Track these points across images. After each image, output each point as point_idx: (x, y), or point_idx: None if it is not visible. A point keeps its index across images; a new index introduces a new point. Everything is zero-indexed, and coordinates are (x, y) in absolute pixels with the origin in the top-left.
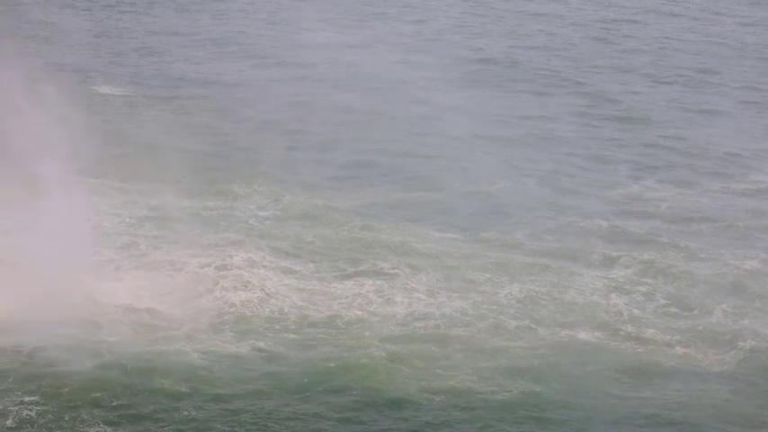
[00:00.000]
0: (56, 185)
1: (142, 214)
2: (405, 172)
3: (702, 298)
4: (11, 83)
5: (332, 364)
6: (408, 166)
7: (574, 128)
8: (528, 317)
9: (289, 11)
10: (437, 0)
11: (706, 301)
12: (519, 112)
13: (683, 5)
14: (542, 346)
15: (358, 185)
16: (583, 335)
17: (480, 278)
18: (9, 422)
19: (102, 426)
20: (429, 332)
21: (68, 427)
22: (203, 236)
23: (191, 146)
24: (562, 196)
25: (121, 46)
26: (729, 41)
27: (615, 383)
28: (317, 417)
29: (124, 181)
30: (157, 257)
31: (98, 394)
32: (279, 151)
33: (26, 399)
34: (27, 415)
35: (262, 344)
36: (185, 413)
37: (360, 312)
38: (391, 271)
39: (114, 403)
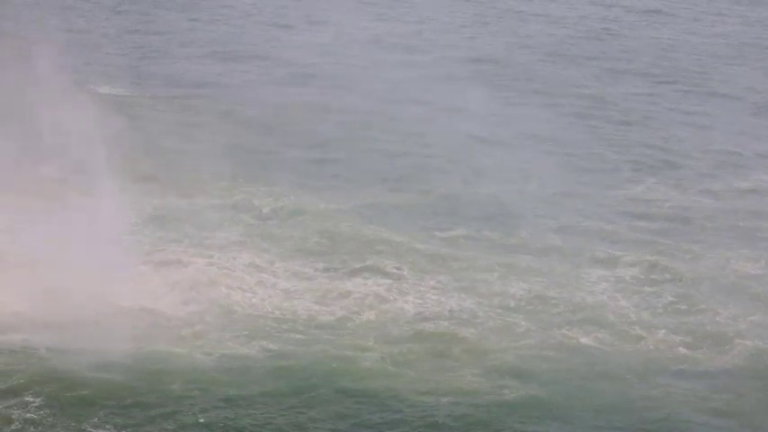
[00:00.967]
0: (59, 186)
1: (146, 214)
2: (406, 172)
3: (708, 298)
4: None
5: (338, 365)
6: (409, 167)
7: (574, 128)
8: (535, 317)
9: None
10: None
11: (711, 302)
12: (519, 113)
13: (684, 6)
14: (550, 348)
15: (359, 185)
16: (590, 335)
17: (487, 278)
18: (14, 425)
19: (107, 427)
20: (436, 333)
21: (73, 429)
22: (207, 236)
23: (191, 146)
24: (564, 196)
25: (121, 46)
26: (731, 41)
27: (623, 384)
28: (323, 417)
29: (124, 182)
30: (162, 257)
31: (103, 396)
32: (280, 152)
33: (30, 400)
34: (30, 417)
35: (268, 344)
36: (192, 414)
37: (367, 313)
38: (397, 271)
39: (120, 405)
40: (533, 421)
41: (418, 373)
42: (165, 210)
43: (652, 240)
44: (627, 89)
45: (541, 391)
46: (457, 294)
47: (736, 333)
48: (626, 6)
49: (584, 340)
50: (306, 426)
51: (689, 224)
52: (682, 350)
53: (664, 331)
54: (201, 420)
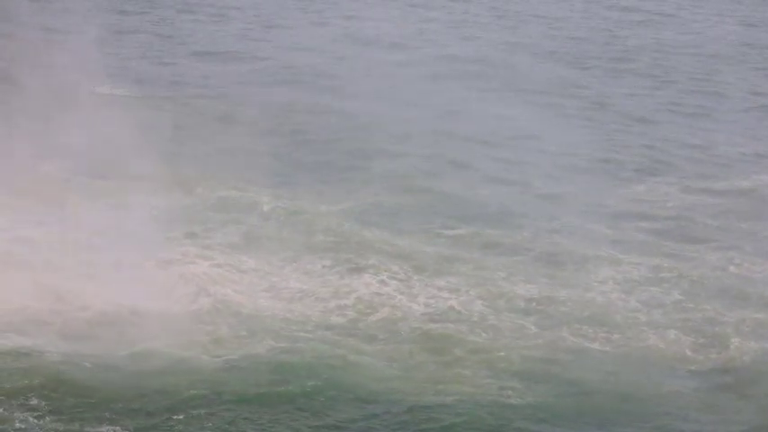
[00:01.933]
0: (63, 187)
1: (149, 214)
2: (405, 172)
3: (715, 299)
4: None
5: (345, 366)
6: (409, 167)
7: (575, 129)
8: (543, 318)
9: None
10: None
11: (719, 302)
12: (520, 113)
13: (685, 7)
14: (559, 350)
15: (359, 186)
16: (599, 337)
17: (494, 278)
18: (17, 424)
19: (112, 430)
20: (444, 334)
21: (77, 431)
22: (210, 236)
23: (192, 146)
24: (566, 196)
25: (121, 46)
26: (732, 41)
27: (632, 386)
28: (329, 418)
29: (124, 182)
30: (167, 258)
31: (108, 397)
32: (280, 153)
33: (33, 402)
34: (34, 422)
35: (276, 345)
36: (197, 416)
37: (374, 314)
38: (403, 272)
39: (126, 407)
40: (539, 424)
41: (425, 375)
42: (165, 210)
43: (656, 240)
44: (627, 90)
45: (548, 394)
46: (464, 295)
47: (743, 334)
48: (626, 7)
49: (592, 342)
50: (311, 426)
51: (692, 224)
52: (689, 352)
53: (676, 331)
54: (208, 423)
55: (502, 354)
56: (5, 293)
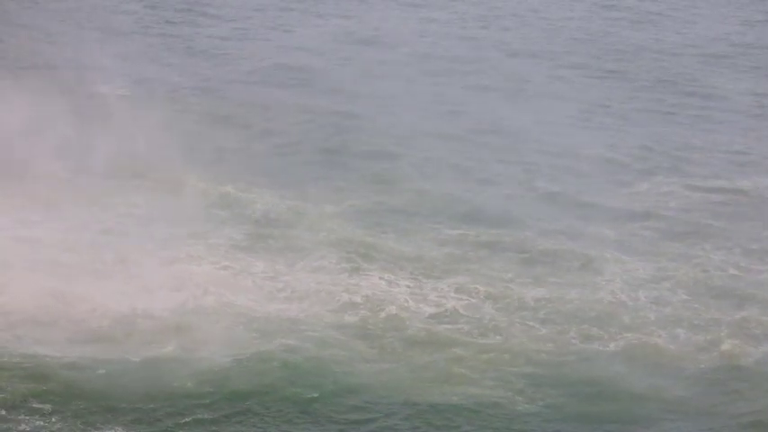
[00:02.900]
0: (64, 187)
1: (151, 214)
2: (406, 173)
3: (723, 299)
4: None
5: (352, 366)
6: (410, 168)
7: (575, 130)
8: (552, 319)
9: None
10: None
11: (727, 302)
12: (520, 115)
13: (686, 7)
14: (567, 351)
15: (360, 187)
16: (607, 337)
17: (502, 279)
18: (22, 426)
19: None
20: (452, 335)
21: None
22: (213, 236)
23: (188, 147)
24: (568, 197)
25: (119, 46)
26: (731, 42)
27: (641, 387)
28: (335, 419)
29: (123, 182)
30: (171, 258)
31: (114, 398)
32: (283, 154)
33: (38, 406)
34: (39, 424)
35: (282, 344)
36: (203, 417)
37: (382, 314)
38: (410, 273)
39: (131, 408)
40: (547, 425)
41: (431, 375)
42: (170, 209)
43: (660, 240)
44: (626, 90)
45: (556, 396)
46: (472, 296)
47: (750, 335)
48: (627, 7)
49: (600, 343)
50: (317, 426)
51: (695, 224)
52: (697, 352)
53: (685, 331)
54: (215, 422)
55: (509, 355)
56: (11, 295)
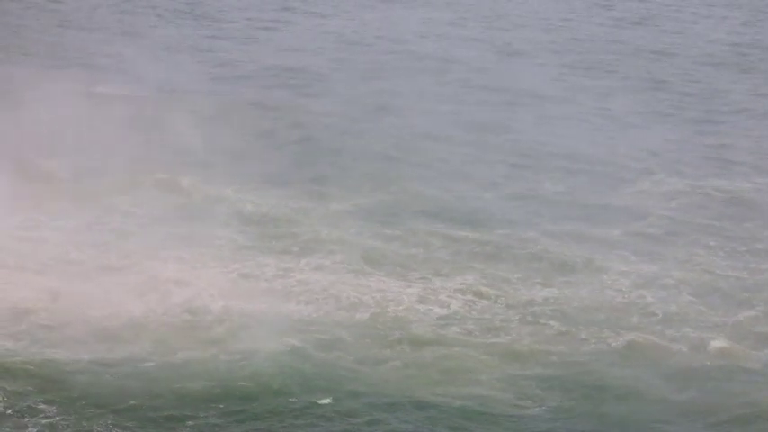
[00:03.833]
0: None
1: (154, 214)
2: (407, 175)
3: (730, 296)
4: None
5: (359, 366)
6: (411, 169)
7: (575, 131)
8: (560, 320)
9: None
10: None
11: (733, 300)
12: (520, 116)
13: (686, 8)
14: (575, 353)
15: (361, 187)
16: (616, 338)
17: (509, 279)
18: (29, 428)
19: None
20: (459, 336)
21: None
22: (217, 236)
23: (194, 148)
24: (572, 196)
25: (119, 46)
26: (730, 43)
27: (650, 388)
28: (341, 419)
29: (121, 181)
30: (176, 258)
31: (120, 399)
32: (284, 155)
33: (44, 407)
34: (46, 423)
35: (288, 344)
36: (209, 418)
37: (389, 314)
38: (418, 273)
39: (136, 408)
40: (554, 428)
41: (438, 377)
42: (173, 209)
43: (664, 240)
44: (626, 91)
45: (565, 398)
46: (481, 296)
47: (758, 336)
48: (631, 8)
49: (609, 344)
50: (322, 427)
51: (699, 220)
52: (713, 350)
53: (693, 330)
54: (220, 422)
55: (517, 356)
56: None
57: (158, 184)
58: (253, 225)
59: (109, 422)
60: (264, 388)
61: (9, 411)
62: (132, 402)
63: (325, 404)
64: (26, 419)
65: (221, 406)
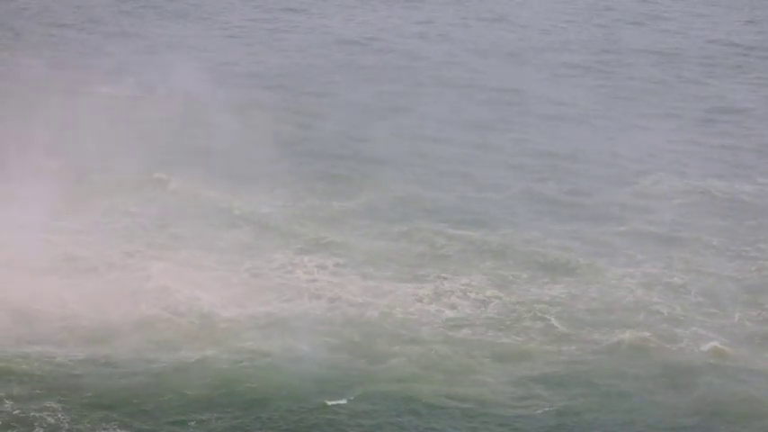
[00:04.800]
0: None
1: (155, 215)
2: (408, 177)
3: (734, 295)
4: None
5: (365, 367)
6: (411, 171)
7: (575, 132)
8: (568, 320)
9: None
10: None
11: (738, 299)
12: (520, 115)
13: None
14: (583, 353)
15: (365, 185)
16: (622, 338)
17: (516, 279)
18: (35, 429)
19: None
20: (466, 336)
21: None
22: (219, 237)
23: (195, 148)
24: (575, 195)
25: (118, 47)
26: (730, 44)
27: (657, 389)
28: (346, 420)
29: (118, 181)
30: (179, 258)
31: (125, 400)
32: (288, 157)
33: (50, 405)
34: (51, 422)
35: (294, 345)
36: (214, 417)
37: (396, 314)
38: (425, 273)
39: (141, 409)
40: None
41: (445, 377)
42: (176, 208)
43: (668, 237)
44: (625, 92)
45: (573, 399)
46: (488, 297)
47: (765, 335)
48: (626, 8)
49: (618, 342)
50: (327, 428)
51: (702, 219)
52: (718, 349)
53: (699, 329)
54: (225, 423)
55: (525, 356)
56: (21, 295)
57: (158, 185)
58: (258, 225)
59: (115, 424)
60: (265, 389)
61: (16, 412)
62: (137, 403)
63: (337, 405)
64: (31, 415)
65: (229, 409)
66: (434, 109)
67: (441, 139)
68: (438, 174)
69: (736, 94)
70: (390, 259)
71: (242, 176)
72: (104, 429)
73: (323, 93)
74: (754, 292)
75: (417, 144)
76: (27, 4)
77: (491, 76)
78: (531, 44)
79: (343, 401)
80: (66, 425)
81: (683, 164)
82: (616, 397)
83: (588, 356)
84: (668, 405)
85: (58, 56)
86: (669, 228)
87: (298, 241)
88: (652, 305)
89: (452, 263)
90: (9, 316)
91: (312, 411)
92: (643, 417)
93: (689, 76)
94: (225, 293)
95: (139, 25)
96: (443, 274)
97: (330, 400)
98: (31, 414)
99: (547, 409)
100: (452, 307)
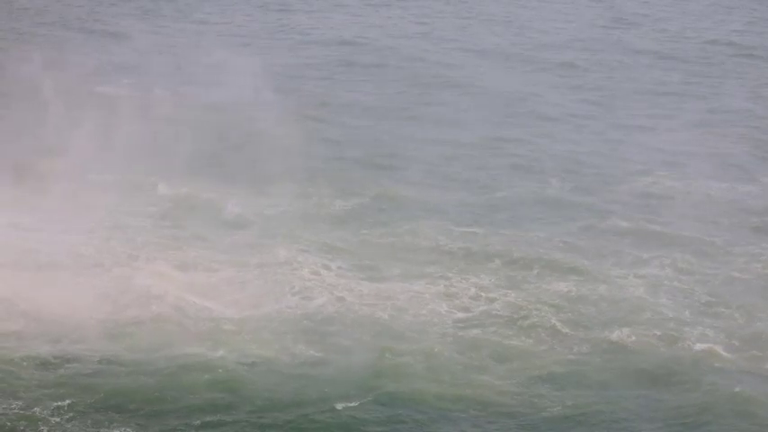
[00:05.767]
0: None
1: (156, 213)
2: (408, 177)
3: (739, 296)
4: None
5: (370, 368)
6: (411, 171)
7: (576, 133)
8: (573, 320)
9: None
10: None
11: (743, 300)
12: (520, 115)
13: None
14: (587, 353)
15: (370, 185)
16: (627, 338)
17: (526, 278)
18: (42, 428)
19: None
20: (472, 336)
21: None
22: (221, 237)
23: (195, 149)
24: (577, 195)
25: (118, 46)
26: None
27: (659, 390)
28: (351, 420)
29: (123, 182)
30: (187, 259)
31: (129, 400)
32: (284, 158)
33: (57, 404)
34: (57, 421)
35: (298, 346)
36: (218, 418)
37: (401, 315)
38: (433, 271)
39: (144, 409)
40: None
41: (452, 378)
42: (178, 210)
43: (671, 235)
44: (626, 92)
45: (580, 399)
46: (494, 297)
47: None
48: (631, 10)
49: (622, 342)
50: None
51: (703, 218)
52: (721, 350)
53: (702, 329)
54: (229, 424)
55: (533, 356)
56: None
57: (155, 186)
58: (263, 226)
59: (121, 424)
60: (271, 392)
61: (20, 411)
62: (143, 404)
63: (335, 407)
64: (40, 415)
65: (235, 411)
66: (438, 110)
67: (445, 140)
68: (442, 174)
69: (736, 95)
70: (397, 259)
71: (243, 177)
72: (110, 429)
73: (326, 93)
74: (758, 293)
75: (421, 144)
76: (27, 4)
77: (493, 77)
78: (531, 44)
79: (353, 404)
80: (72, 425)
81: (684, 164)
82: (623, 397)
83: (595, 357)
84: (675, 405)
85: (57, 56)
86: (673, 228)
87: (303, 242)
88: (658, 305)
89: (459, 263)
90: (15, 315)
91: (321, 414)
92: (650, 417)
93: (689, 77)
94: (232, 294)
95: (140, 25)
96: (450, 274)
97: (339, 403)
98: (39, 413)
99: (554, 409)
100: (461, 307)
